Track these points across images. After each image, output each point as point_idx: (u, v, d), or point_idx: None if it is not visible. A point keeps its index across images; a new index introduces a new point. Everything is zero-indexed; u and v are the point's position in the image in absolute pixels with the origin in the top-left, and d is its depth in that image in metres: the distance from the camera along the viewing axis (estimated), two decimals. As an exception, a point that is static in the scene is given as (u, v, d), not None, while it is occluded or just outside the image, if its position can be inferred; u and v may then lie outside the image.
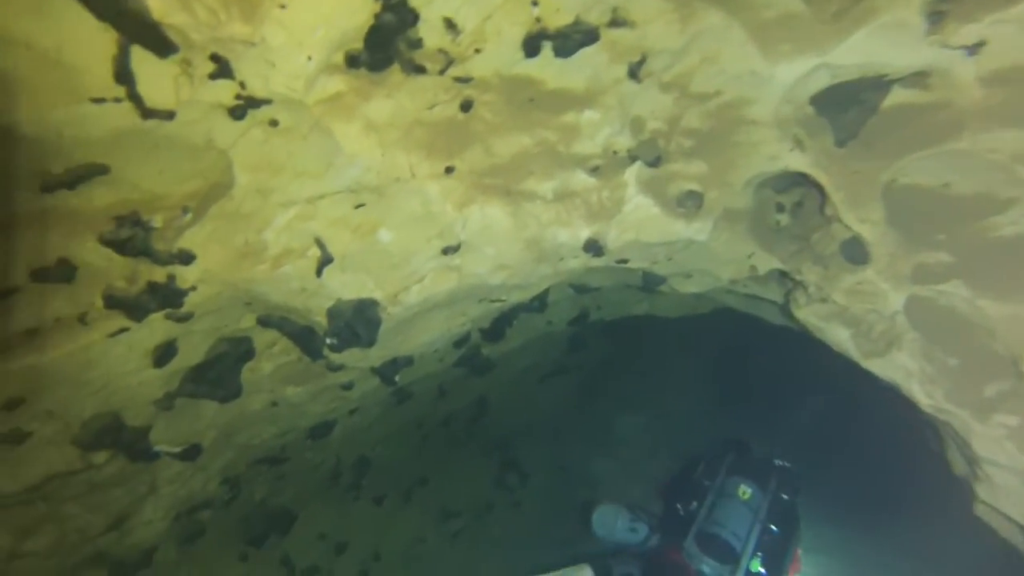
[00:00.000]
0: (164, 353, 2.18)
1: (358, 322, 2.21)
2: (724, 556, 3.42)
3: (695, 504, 3.65)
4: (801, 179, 2.22)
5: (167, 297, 1.92)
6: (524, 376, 5.22)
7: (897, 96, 2.07)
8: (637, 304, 3.73)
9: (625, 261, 2.45)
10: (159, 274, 1.89)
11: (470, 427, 5.32)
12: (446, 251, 2.16)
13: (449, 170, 2.01)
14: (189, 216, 1.85)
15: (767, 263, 2.55)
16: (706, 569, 3.39)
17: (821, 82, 2.03)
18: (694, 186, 2.26)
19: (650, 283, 2.80)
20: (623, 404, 6.60)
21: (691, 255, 2.51)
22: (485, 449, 5.61)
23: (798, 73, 1.99)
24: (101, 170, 1.66)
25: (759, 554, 3.45)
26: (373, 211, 2.01)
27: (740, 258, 2.57)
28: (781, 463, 4.00)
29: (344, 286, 2.12)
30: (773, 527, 3.57)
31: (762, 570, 3.42)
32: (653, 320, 4.06)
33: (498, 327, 3.12)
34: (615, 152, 2.24)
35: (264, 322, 2.38)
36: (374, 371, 2.74)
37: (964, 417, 2.13)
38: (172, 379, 2.33)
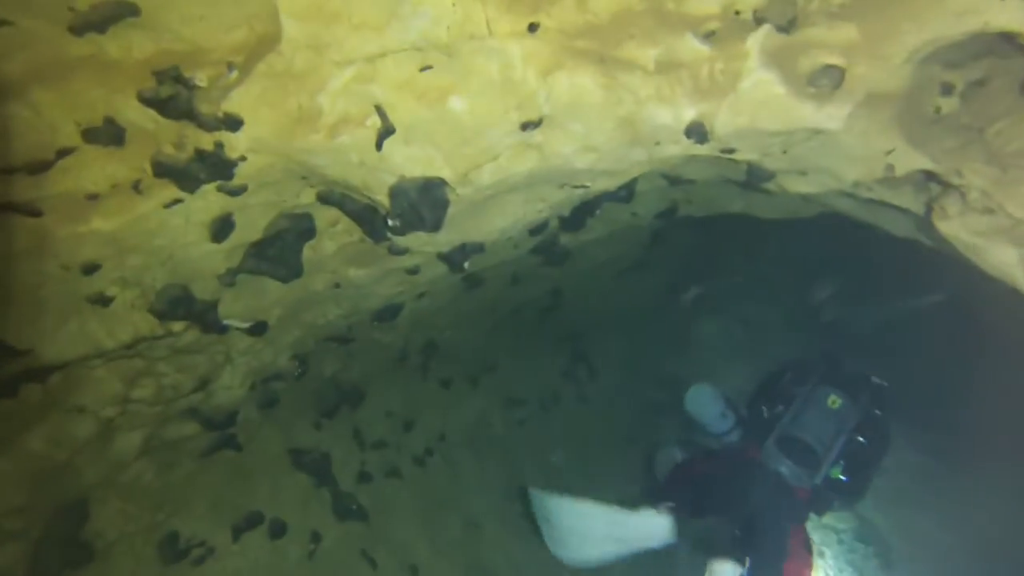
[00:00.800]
0: (221, 227, 2.05)
1: (423, 203, 1.99)
2: (804, 460, 3.34)
3: (781, 408, 3.56)
4: (998, 45, 1.74)
5: (216, 167, 1.75)
6: (602, 269, 4.97)
7: None
8: (732, 201, 3.34)
9: (731, 151, 2.07)
10: (206, 140, 1.70)
11: (542, 317, 5.19)
12: (526, 126, 1.86)
13: (533, 28, 1.67)
14: (235, 74, 1.62)
15: (910, 162, 2.10)
16: (783, 470, 3.34)
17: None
18: (834, 59, 1.82)
19: (755, 178, 2.41)
20: (703, 306, 6.29)
21: (813, 148, 2.10)
22: (556, 340, 5.50)
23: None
24: (131, 10, 1.44)
25: (842, 462, 3.36)
26: (442, 75, 1.71)
27: (875, 154, 2.13)
28: (878, 381, 3.76)
29: (408, 162, 1.88)
30: (861, 439, 3.43)
31: (843, 477, 3.35)
32: (746, 220, 3.66)
33: (579, 216, 2.84)
34: (737, 13, 1.83)
35: (324, 199, 2.20)
36: (441, 257, 2.55)
37: None
38: (233, 254, 2.22)
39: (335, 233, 2.42)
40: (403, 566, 3.84)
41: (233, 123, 1.64)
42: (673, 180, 2.68)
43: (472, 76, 1.73)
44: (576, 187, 2.24)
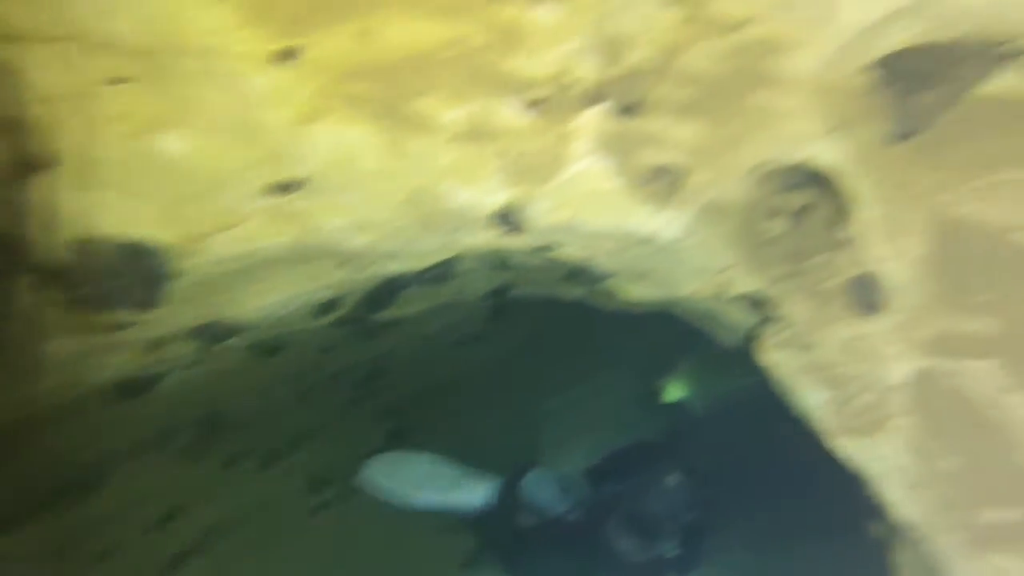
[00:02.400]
0: None
1: (127, 273, 1.40)
2: (643, 535, 3.58)
3: (622, 486, 3.79)
4: (819, 178, 1.52)
5: None
6: (432, 340, 4.51)
7: (1004, 81, 1.37)
8: (567, 290, 3.04)
9: (550, 248, 1.70)
10: None
11: (361, 387, 4.60)
12: (282, 188, 1.36)
13: (289, 55, 1.19)
14: None
15: (745, 283, 1.85)
16: (622, 547, 3.59)
17: (904, 35, 1.30)
18: (677, 158, 1.51)
19: (583, 279, 2.06)
20: (546, 382, 5.99)
21: (646, 255, 1.79)
22: (375, 414, 4.90)
23: (876, 15, 1.25)
24: None
25: (678, 538, 3.63)
26: (144, 97, 1.17)
27: (711, 270, 1.86)
28: (710, 461, 3.98)
29: (95, 212, 1.30)
30: (696, 515, 3.71)
31: (678, 551, 3.61)
32: (586, 307, 3.41)
33: (380, 296, 2.35)
34: (572, 82, 1.47)
35: (-2, 243, 1.53)
36: (185, 334, 1.94)
37: (948, 544, 1.54)
38: None
39: (25, 288, 1.73)
40: None
41: None
42: (495, 264, 2.29)
43: (194, 109, 1.20)
44: (361, 269, 1.75)
